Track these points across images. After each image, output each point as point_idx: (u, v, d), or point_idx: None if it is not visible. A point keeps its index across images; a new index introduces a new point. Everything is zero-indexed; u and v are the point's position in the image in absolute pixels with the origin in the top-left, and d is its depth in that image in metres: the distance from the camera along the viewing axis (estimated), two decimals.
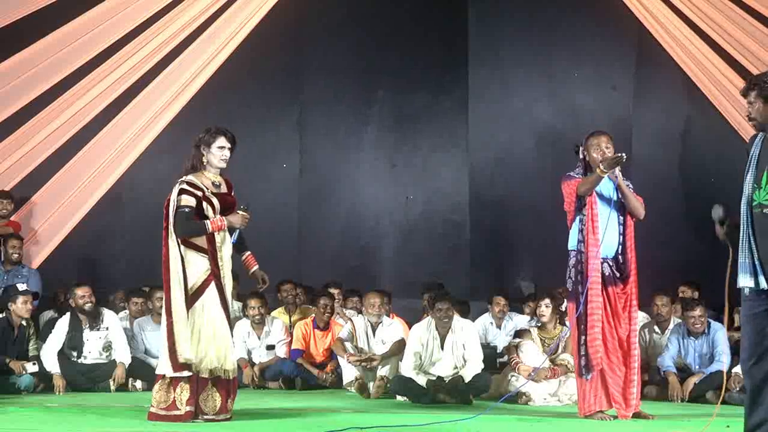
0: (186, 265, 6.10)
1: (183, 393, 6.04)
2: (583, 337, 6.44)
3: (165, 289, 6.14)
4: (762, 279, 4.56)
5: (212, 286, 6.12)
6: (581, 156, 6.60)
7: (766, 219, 4.53)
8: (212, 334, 6.10)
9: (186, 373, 6.01)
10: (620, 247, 6.50)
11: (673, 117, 11.23)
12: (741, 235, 4.63)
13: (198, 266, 6.13)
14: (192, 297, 6.09)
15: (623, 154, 6.31)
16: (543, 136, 11.45)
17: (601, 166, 6.34)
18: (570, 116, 11.38)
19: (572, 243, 6.59)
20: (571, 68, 11.50)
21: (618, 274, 6.48)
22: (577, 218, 6.53)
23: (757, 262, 4.56)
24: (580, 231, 6.51)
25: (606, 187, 6.53)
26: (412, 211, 11.58)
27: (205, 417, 6.07)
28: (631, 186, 6.59)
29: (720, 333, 8.16)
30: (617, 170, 6.44)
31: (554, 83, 11.51)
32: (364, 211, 11.62)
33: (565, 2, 11.38)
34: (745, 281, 4.59)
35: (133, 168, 10.74)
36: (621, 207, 6.51)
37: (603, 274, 6.45)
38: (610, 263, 6.49)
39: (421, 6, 11.47)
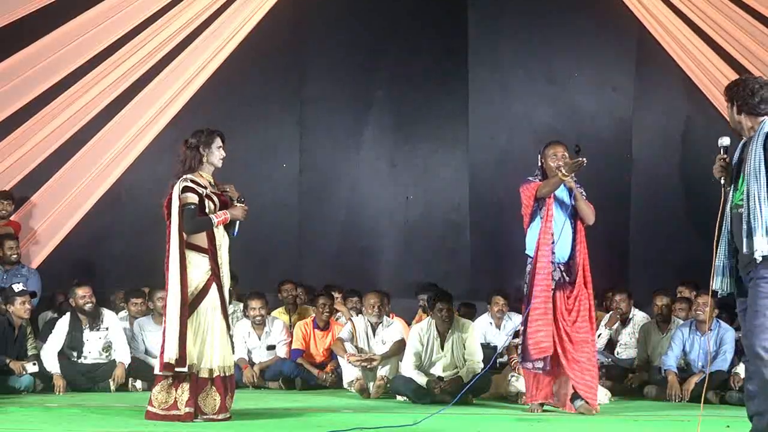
0: (189, 267, 6.13)
1: (183, 394, 6.07)
2: (523, 328, 6.86)
3: (173, 289, 6.14)
4: (719, 280, 4.80)
5: (214, 286, 6.17)
6: (539, 164, 6.98)
7: (739, 218, 4.72)
8: (213, 334, 6.13)
9: (168, 373, 6.05)
10: (572, 251, 6.83)
11: (673, 117, 11.22)
12: (721, 237, 4.84)
13: (200, 267, 6.17)
14: (196, 298, 6.13)
15: (584, 159, 6.63)
16: (543, 137, 11.36)
17: (563, 170, 6.68)
18: (570, 117, 11.37)
19: (529, 248, 6.95)
20: (571, 69, 11.49)
21: (567, 278, 6.83)
22: (536, 221, 6.88)
23: (724, 263, 4.79)
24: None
25: (563, 194, 6.85)
26: (412, 211, 11.57)
27: (205, 417, 6.09)
28: (583, 193, 6.90)
29: (729, 333, 8.14)
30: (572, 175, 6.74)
31: (554, 84, 11.50)
32: (364, 211, 11.61)
33: (565, 3, 11.36)
34: (714, 283, 4.84)
35: (133, 168, 10.73)
36: (575, 214, 6.85)
37: (553, 279, 6.78)
38: (562, 268, 6.83)
39: (421, 6, 11.47)
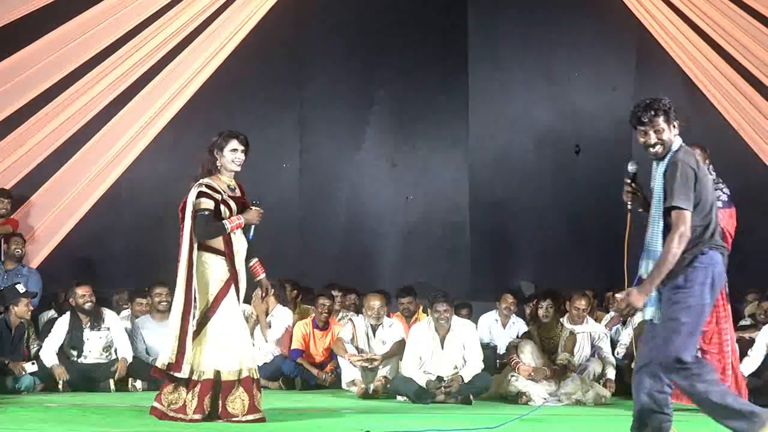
0: (206, 270, 6.09)
1: (194, 399, 6.00)
2: None
3: (178, 292, 6.09)
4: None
5: (232, 288, 6.12)
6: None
7: None
8: (233, 336, 6.08)
9: (157, 377, 6.16)
10: None
11: None
12: None
13: (218, 270, 6.12)
14: (214, 301, 6.08)
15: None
16: (543, 136, 11.44)
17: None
18: (570, 117, 11.38)
19: None
20: (571, 69, 11.50)
21: None
22: None
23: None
24: None
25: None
26: (412, 211, 11.57)
27: (234, 419, 5.99)
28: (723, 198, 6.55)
29: None
30: None
31: (554, 84, 11.51)
32: (365, 212, 11.61)
33: (565, 2, 11.37)
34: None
35: (133, 167, 10.73)
36: None
37: None
38: None
39: (421, 6, 11.47)
